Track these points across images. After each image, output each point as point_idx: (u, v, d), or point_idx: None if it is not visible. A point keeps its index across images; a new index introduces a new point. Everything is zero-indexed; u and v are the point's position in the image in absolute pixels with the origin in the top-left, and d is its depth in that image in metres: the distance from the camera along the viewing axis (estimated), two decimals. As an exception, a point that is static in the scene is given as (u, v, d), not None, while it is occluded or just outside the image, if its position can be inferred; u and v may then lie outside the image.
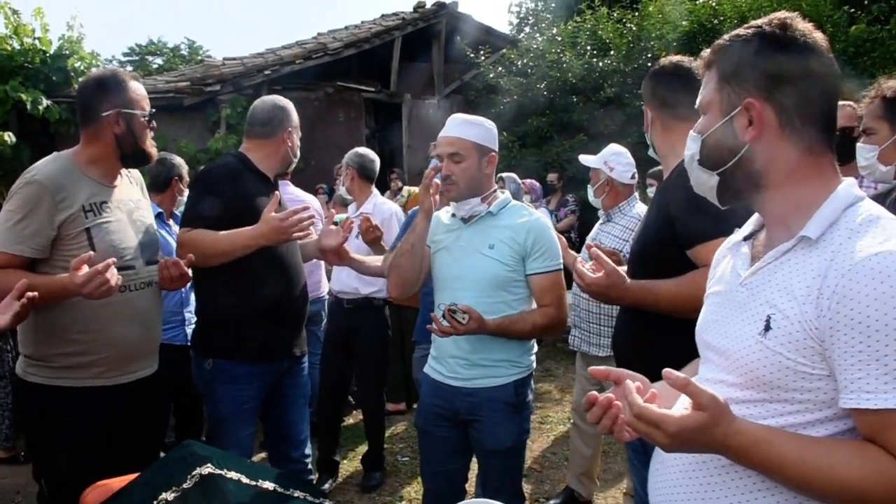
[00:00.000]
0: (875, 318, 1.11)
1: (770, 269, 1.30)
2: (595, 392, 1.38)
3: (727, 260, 1.48)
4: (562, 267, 2.68)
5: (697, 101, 1.43)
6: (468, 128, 2.65)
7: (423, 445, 2.85)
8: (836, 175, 1.31)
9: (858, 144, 2.56)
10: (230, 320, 2.89)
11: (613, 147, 4.08)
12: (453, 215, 2.76)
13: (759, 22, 1.34)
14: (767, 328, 1.24)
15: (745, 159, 1.33)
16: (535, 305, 2.68)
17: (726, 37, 1.38)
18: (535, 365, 2.76)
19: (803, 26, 1.31)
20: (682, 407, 1.25)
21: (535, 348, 2.78)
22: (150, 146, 2.64)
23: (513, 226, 2.63)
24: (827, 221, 1.24)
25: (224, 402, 2.92)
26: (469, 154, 2.62)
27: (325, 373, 4.51)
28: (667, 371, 1.17)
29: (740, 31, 1.36)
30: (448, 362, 2.67)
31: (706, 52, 1.41)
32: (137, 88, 2.60)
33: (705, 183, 1.42)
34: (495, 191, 2.74)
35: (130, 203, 2.66)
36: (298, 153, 3.13)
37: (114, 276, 2.24)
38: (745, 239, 1.45)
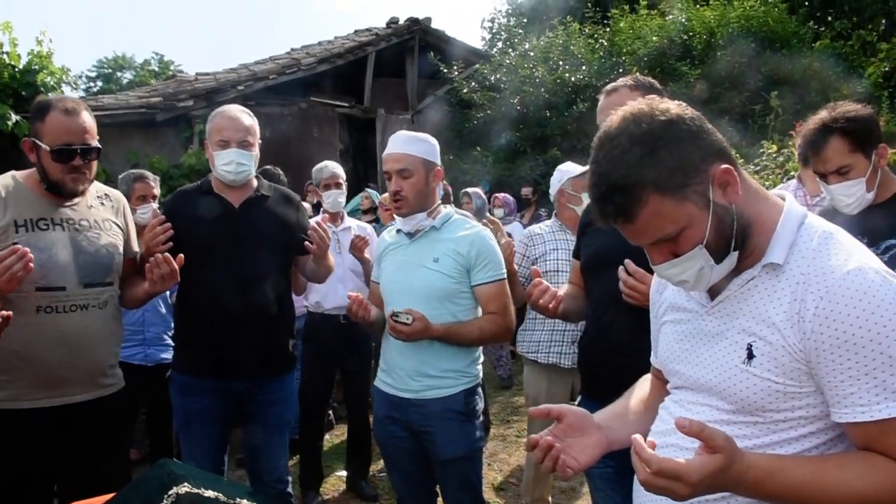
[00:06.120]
0: (860, 335, 1.17)
1: (738, 296, 1.33)
2: (535, 436, 1.42)
3: (673, 288, 1.48)
4: (505, 276, 2.77)
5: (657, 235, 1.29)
6: (414, 144, 2.75)
7: (386, 456, 2.93)
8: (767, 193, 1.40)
9: (836, 186, 2.41)
10: (175, 334, 3.16)
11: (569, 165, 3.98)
12: (398, 231, 2.85)
13: (641, 118, 1.25)
14: (751, 356, 1.28)
15: (739, 219, 1.29)
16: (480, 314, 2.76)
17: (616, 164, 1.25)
18: (481, 375, 2.82)
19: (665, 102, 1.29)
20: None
21: (482, 358, 2.85)
22: (69, 181, 2.48)
23: (455, 238, 2.72)
24: (787, 244, 1.28)
25: (177, 412, 3.02)
26: (417, 170, 2.71)
27: (315, 392, 4.42)
28: (679, 419, 1.14)
29: (634, 149, 1.23)
30: (397, 374, 2.74)
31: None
32: (57, 121, 2.43)
33: (731, 265, 1.32)
34: (439, 205, 2.82)
35: (84, 223, 2.56)
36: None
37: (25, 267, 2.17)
38: None
